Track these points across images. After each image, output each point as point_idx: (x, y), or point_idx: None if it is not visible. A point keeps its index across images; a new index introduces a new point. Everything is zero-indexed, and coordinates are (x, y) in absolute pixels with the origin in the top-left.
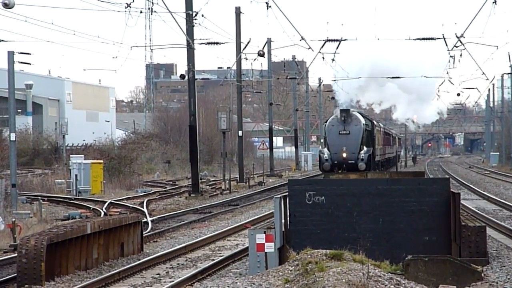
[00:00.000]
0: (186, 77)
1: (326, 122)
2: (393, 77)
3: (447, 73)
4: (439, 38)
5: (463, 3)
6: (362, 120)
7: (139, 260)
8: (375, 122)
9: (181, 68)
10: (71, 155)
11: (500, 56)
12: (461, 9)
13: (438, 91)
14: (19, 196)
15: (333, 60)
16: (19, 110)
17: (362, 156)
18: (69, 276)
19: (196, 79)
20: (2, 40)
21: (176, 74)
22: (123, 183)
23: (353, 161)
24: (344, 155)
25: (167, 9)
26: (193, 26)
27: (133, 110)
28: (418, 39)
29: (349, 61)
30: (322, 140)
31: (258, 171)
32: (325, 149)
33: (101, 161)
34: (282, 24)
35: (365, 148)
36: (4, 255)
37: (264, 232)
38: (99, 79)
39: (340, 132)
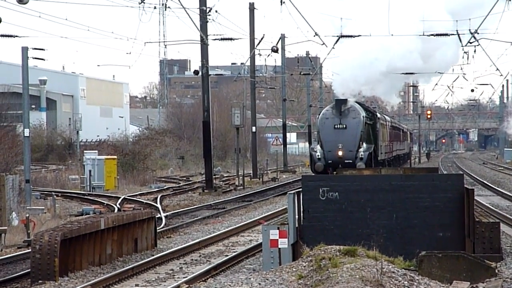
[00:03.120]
0: (200, 73)
1: (319, 114)
2: (406, 73)
3: (461, 69)
4: (453, 34)
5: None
6: (362, 112)
7: (153, 255)
8: (378, 115)
9: (195, 64)
10: (85, 151)
11: None
12: (475, 5)
13: (452, 86)
14: (33, 192)
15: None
16: (33, 106)
17: (361, 155)
18: (83, 271)
19: (210, 75)
20: (17, 36)
21: (189, 70)
22: (136, 179)
23: (351, 161)
24: (340, 153)
25: (181, 5)
26: (207, 22)
27: (147, 106)
28: (432, 35)
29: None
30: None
31: (272, 167)
32: (318, 146)
33: (115, 156)
34: (296, 20)
35: (364, 145)
36: (18, 250)
37: (278, 228)
38: (113, 74)
39: (336, 126)
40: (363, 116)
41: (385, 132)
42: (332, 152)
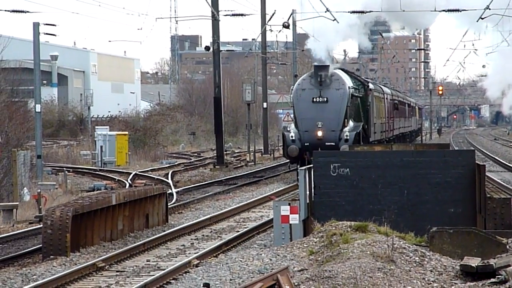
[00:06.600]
0: (211, 49)
1: (293, 84)
2: (417, 49)
3: (473, 44)
4: (464, 10)
5: None
6: (348, 82)
7: (164, 231)
8: (371, 86)
9: (206, 39)
10: (96, 127)
11: None
12: None
13: (464, 62)
14: (45, 168)
15: None
16: (44, 82)
17: (346, 136)
18: (94, 247)
19: (221, 50)
20: (28, 11)
21: (201, 46)
22: (148, 155)
23: (333, 143)
24: (320, 133)
25: None
26: None
27: (158, 82)
28: (443, 10)
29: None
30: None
31: None
32: (292, 125)
33: (126, 132)
34: None
35: (351, 124)
36: (29, 226)
37: (289, 204)
38: (124, 50)
39: (314, 100)
40: (349, 87)
41: (382, 107)
42: (309, 133)
